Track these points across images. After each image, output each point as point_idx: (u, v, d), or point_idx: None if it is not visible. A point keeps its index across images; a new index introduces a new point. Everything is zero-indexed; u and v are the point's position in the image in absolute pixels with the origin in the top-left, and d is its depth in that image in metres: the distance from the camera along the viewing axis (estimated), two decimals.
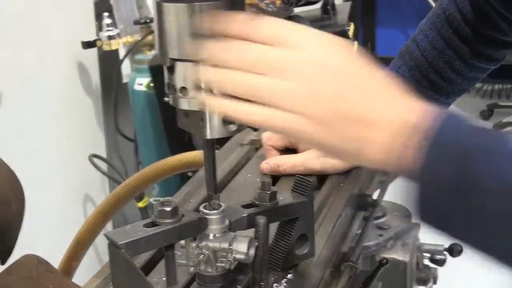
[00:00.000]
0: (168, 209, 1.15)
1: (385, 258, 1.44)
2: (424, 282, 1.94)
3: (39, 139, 3.15)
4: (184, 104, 1.13)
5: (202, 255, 1.20)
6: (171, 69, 1.12)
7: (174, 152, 3.12)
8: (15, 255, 2.22)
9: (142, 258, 1.34)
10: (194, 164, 1.92)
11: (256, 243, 1.22)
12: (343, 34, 2.97)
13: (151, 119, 3.32)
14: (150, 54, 3.44)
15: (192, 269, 1.22)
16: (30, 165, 3.08)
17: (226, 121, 1.13)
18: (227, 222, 1.22)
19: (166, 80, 1.14)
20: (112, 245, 1.11)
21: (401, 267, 1.83)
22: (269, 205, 1.26)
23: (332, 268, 1.43)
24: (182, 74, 1.11)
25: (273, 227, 1.33)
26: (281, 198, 1.29)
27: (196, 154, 1.95)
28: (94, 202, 3.47)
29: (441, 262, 1.96)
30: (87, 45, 3.32)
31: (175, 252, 1.22)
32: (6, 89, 2.95)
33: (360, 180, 1.70)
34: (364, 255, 1.73)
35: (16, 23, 3.02)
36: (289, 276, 1.30)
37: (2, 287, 1.54)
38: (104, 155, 3.61)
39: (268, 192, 1.26)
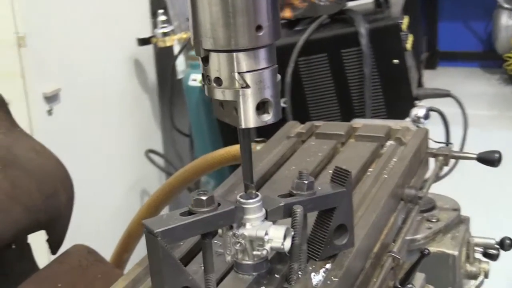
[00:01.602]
0: (204, 198, 1.16)
1: (427, 249, 1.43)
2: (474, 276, 1.92)
3: (97, 135, 3.22)
4: (218, 94, 1.14)
5: (239, 243, 1.22)
6: (206, 60, 1.14)
7: (228, 146, 3.15)
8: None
9: (183, 248, 1.37)
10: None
11: (293, 232, 1.23)
12: (396, 27, 2.95)
13: (206, 114, 3.35)
14: None
15: (229, 258, 1.24)
16: (87, 160, 3.15)
17: (260, 111, 1.14)
18: (263, 211, 1.23)
19: (201, 70, 1.16)
20: (149, 234, 1.13)
21: (450, 260, 1.81)
22: (306, 194, 1.26)
23: (373, 259, 1.43)
24: (216, 65, 1.13)
25: (313, 217, 1.34)
26: (319, 188, 1.29)
27: None
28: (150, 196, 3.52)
29: (494, 257, 1.94)
30: (143, 42, 3.38)
31: (216, 242, 1.25)
32: (65, 86, 3.02)
33: (405, 172, 1.69)
34: (411, 247, 1.72)
35: (73, 21, 3.09)
36: (328, 266, 1.31)
37: (52, 275, 1.59)
38: (160, 150, 3.66)
39: (306, 182, 1.26)
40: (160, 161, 3.57)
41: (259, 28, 1.10)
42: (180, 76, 3.54)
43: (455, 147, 2.45)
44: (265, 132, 1.94)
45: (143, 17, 3.55)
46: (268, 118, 1.15)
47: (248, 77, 1.12)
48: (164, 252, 1.12)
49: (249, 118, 1.14)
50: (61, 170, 1.66)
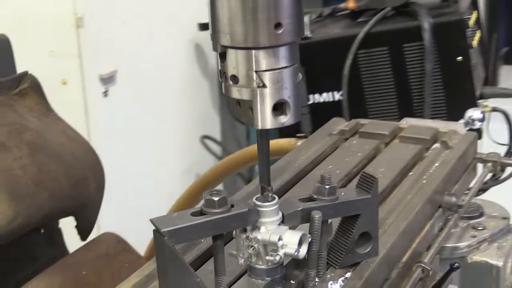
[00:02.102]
0: (216, 198, 1.12)
1: (457, 263, 1.36)
2: None
3: (152, 118, 3.22)
4: (235, 93, 1.10)
5: (252, 247, 1.18)
6: (223, 56, 1.09)
7: (283, 137, 3.11)
8: (138, 234, 2.27)
9: (202, 245, 1.33)
10: (282, 151, 1.89)
11: (310, 239, 1.18)
12: (461, 23, 2.84)
13: None
14: None
15: (242, 260, 1.20)
16: (141, 143, 3.15)
17: (277, 112, 1.10)
18: (280, 215, 1.19)
19: (219, 67, 1.12)
20: (157, 232, 1.10)
21: (493, 271, 1.73)
22: (327, 200, 1.21)
23: (401, 268, 1.37)
24: (233, 62, 1.08)
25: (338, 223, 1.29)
26: (342, 193, 1.24)
27: (284, 142, 1.92)
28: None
29: None
30: (204, 27, 3.34)
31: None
32: (121, 68, 3.02)
33: (447, 178, 1.62)
34: (454, 255, 1.65)
35: (134, 6, 3.08)
36: (348, 275, 1.25)
37: (78, 262, 1.58)
38: (217, 137, 3.64)
39: (327, 186, 1.21)
40: (216, 148, 3.55)
41: (278, 25, 1.05)
42: None
43: None
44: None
45: (204, 1, 3.52)
46: (285, 119, 1.10)
47: (266, 76, 1.07)
48: (171, 252, 1.09)
49: (265, 119, 1.09)
50: (91, 156, 1.65)
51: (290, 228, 1.20)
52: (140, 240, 2.35)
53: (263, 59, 1.06)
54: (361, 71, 2.96)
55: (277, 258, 1.16)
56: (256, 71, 1.07)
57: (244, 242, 1.18)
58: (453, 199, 1.61)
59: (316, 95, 3.03)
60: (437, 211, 1.58)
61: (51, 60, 2.90)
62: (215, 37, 1.08)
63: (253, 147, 2.06)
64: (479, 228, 1.79)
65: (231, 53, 1.08)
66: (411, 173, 1.65)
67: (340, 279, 1.24)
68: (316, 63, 2.99)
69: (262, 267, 1.19)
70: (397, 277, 1.36)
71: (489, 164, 1.81)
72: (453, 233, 1.63)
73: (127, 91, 3.07)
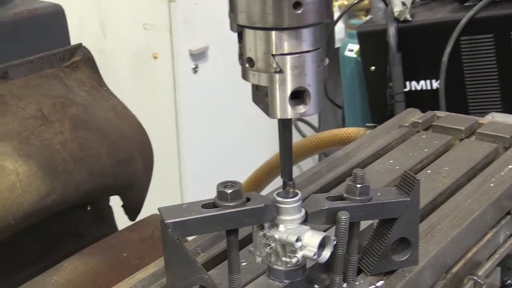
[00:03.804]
0: (229, 191, 1.03)
1: (510, 280, 1.21)
2: None
3: (241, 96, 3.14)
4: (251, 77, 1.00)
5: (269, 246, 1.08)
6: (240, 37, 1.00)
7: (376, 122, 2.97)
8: None
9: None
10: (349, 140, 1.78)
11: (335, 242, 1.07)
12: None
13: (360, 87, 3.17)
14: (364, 20, 3.28)
15: (259, 259, 1.11)
16: (228, 122, 3.09)
17: (296, 101, 0.99)
18: (303, 213, 1.09)
19: (238, 48, 1.03)
20: (163, 223, 1.02)
21: None
22: (358, 200, 1.10)
23: (449, 280, 1.24)
24: (250, 43, 0.99)
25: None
26: (378, 194, 1.12)
27: (352, 131, 1.81)
28: (301, 170, 3.41)
29: None
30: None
31: None
32: (213, 45, 2.96)
33: None
34: None
35: None
36: (380, 283, 1.14)
37: (119, 243, 1.53)
38: (314, 121, 3.53)
39: (359, 185, 1.10)
40: (307, 130, 3.44)
41: (297, 5, 0.94)
42: (337, 44, 3.38)
43: None
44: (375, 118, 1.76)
45: None
46: (304, 110, 1.00)
47: (284, 61, 0.97)
48: (175, 246, 1.02)
49: (281, 108, 0.99)
50: (140, 135, 1.59)
51: (314, 229, 1.10)
52: None
53: (281, 41, 0.96)
54: (462, 59, 2.78)
55: (294, 260, 1.07)
56: (273, 55, 0.97)
57: (261, 240, 1.09)
58: None
59: (413, 82, 2.88)
60: (504, 218, 1.42)
61: (143, 34, 2.88)
62: (232, 15, 0.99)
63: (314, 136, 1.94)
64: None
65: (247, 34, 0.99)
66: (479, 174, 1.50)
67: (371, 287, 1.13)
68: (415, 48, 2.84)
69: (281, 268, 1.10)
70: None
71: None
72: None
73: (217, 68, 3.01)
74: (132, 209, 1.65)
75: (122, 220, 1.72)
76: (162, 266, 1.19)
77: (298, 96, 0.99)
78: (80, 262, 1.48)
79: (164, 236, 1.03)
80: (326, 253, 1.07)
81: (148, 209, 1.69)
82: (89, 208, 1.59)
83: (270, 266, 1.11)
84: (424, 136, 1.66)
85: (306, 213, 1.09)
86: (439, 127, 1.70)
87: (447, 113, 1.78)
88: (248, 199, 1.05)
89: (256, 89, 1.03)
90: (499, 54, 2.73)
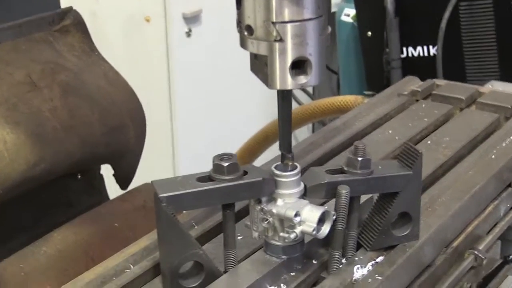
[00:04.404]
0: (225, 164, 0.99)
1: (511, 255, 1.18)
2: None
3: (235, 61, 3.08)
4: (249, 46, 0.96)
5: (266, 221, 1.04)
6: (239, 2, 0.95)
7: (372, 89, 2.92)
8: None
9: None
10: (346, 108, 1.74)
11: (334, 217, 1.04)
12: None
13: (355, 53, 3.12)
14: None
15: (256, 234, 1.07)
16: (222, 87, 3.05)
17: (297, 71, 0.95)
18: (302, 187, 1.05)
19: (236, 14, 0.98)
20: (156, 196, 0.99)
21: None
22: (359, 173, 1.06)
23: (450, 254, 1.21)
24: (249, 10, 0.94)
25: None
26: (379, 167, 1.09)
27: (350, 99, 1.76)
28: (295, 137, 3.36)
29: None
30: None
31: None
32: (206, 8, 2.90)
33: None
34: None
35: None
36: (379, 259, 1.11)
37: (110, 213, 1.49)
38: (309, 88, 3.48)
39: (360, 158, 1.06)
40: (302, 97, 3.40)
41: None
42: (333, 9, 3.31)
43: None
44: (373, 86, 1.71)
45: None
46: (305, 80, 0.95)
47: (285, 29, 0.93)
48: (169, 221, 0.99)
49: (282, 78, 0.95)
50: (132, 102, 1.54)
51: (313, 203, 1.06)
52: None
53: (282, 8, 0.92)
54: (461, 25, 2.73)
55: (292, 236, 1.03)
56: (273, 22, 0.92)
57: (258, 215, 1.05)
58: None
59: (410, 48, 2.83)
60: (505, 190, 1.39)
61: None
62: None
63: (310, 104, 1.90)
64: None
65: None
66: (480, 146, 1.46)
67: (370, 264, 1.10)
68: (413, 13, 2.78)
69: (278, 243, 1.07)
70: (443, 264, 1.20)
71: None
72: None
73: (211, 32, 2.95)
74: (123, 178, 1.60)
75: (113, 189, 1.68)
76: (154, 239, 1.15)
77: (298, 66, 0.95)
78: (71, 232, 1.44)
79: (158, 210, 0.99)
80: (326, 228, 1.04)
81: (139, 178, 1.66)
82: (79, 177, 1.55)
83: (267, 241, 1.08)
84: (423, 105, 1.62)
85: (305, 186, 1.05)
86: (439, 96, 1.66)
87: (447, 81, 1.74)
88: (245, 172, 1.02)
89: (255, 58, 0.98)
90: (498, 20, 2.68)
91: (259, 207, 1.04)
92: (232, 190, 1.00)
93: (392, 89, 1.71)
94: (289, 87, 0.95)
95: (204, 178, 1.01)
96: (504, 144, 1.44)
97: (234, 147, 3.12)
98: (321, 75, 0.96)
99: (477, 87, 1.70)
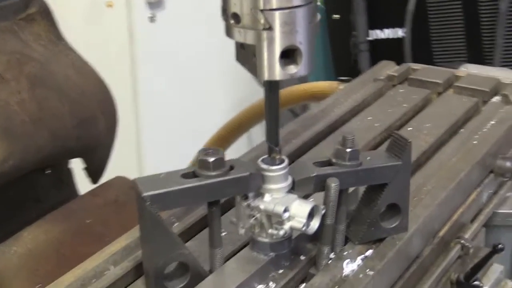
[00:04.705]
0: (211, 159, 0.95)
1: (501, 244, 1.16)
2: None
3: (201, 46, 3.03)
4: (236, 35, 0.91)
5: (253, 217, 1.00)
6: None
7: (339, 76, 2.89)
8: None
9: (200, 210, 1.16)
10: (322, 96, 1.69)
11: (324, 211, 1.00)
12: None
13: (322, 36, 3.07)
14: None
15: (243, 231, 1.02)
16: (188, 73, 2.99)
17: (286, 61, 0.91)
18: (290, 181, 1.01)
19: (221, 2, 0.93)
20: (139, 195, 0.93)
21: None
22: (348, 165, 1.02)
23: (436, 244, 1.18)
24: None
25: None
26: (368, 158, 1.05)
27: (324, 85, 1.72)
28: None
29: None
30: None
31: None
32: None
33: (502, 139, 1.41)
34: (508, 223, 1.44)
35: None
36: (368, 252, 1.07)
37: (82, 209, 1.44)
38: None
39: (349, 149, 1.02)
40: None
41: None
42: None
43: None
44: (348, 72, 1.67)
45: None
46: (295, 70, 0.91)
47: (274, 16, 0.88)
48: (154, 220, 0.93)
49: (271, 68, 0.90)
50: (102, 92, 1.48)
51: (302, 197, 1.02)
52: None
53: None
54: (428, 6, 2.71)
55: (281, 232, 0.99)
56: (262, 10, 0.87)
57: (244, 211, 1.00)
58: (508, 163, 1.40)
59: (377, 31, 2.80)
60: (488, 177, 1.37)
61: None
62: None
63: (284, 91, 1.85)
64: None
65: None
66: (461, 131, 1.44)
67: (359, 258, 1.06)
68: None
69: (266, 240, 1.02)
70: (430, 255, 1.17)
71: None
72: (509, 197, 1.41)
73: (176, 17, 2.88)
74: (95, 172, 1.55)
75: (82, 183, 1.62)
76: (135, 238, 1.10)
77: (288, 55, 0.90)
78: (41, 230, 1.38)
79: (141, 210, 0.94)
80: (315, 224, 1.00)
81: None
82: (48, 171, 1.49)
83: (254, 238, 1.04)
84: (401, 90, 1.60)
85: (293, 180, 1.01)
86: (416, 81, 1.63)
87: (422, 65, 1.71)
88: (231, 167, 0.97)
89: (241, 47, 0.93)
90: (465, 2, 2.67)
91: (246, 203, 1.00)
92: (219, 187, 0.95)
93: (368, 74, 1.68)
94: (279, 78, 0.90)
95: (189, 175, 0.96)
96: (485, 129, 1.42)
97: (202, 137, 3.07)
98: (312, 64, 0.92)
99: (453, 71, 1.68)
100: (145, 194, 0.92)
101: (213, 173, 0.95)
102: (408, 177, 1.08)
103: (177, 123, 2.98)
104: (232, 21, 0.90)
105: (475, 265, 1.18)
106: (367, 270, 1.02)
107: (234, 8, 0.89)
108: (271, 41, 0.89)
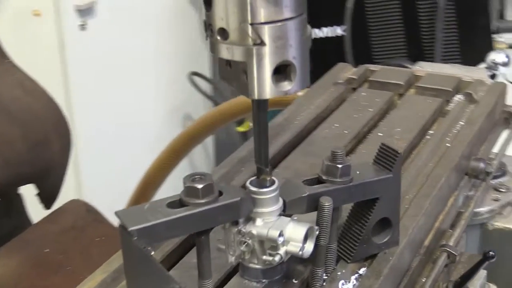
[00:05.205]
0: (200, 186, 0.88)
1: (492, 252, 1.13)
2: None
3: (135, 53, 2.94)
4: (223, 52, 0.84)
5: (245, 243, 0.94)
6: (208, 3, 0.83)
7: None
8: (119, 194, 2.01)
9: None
10: (281, 103, 1.63)
11: (317, 232, 0.94)
12: None
13: None
14: None
15: (233, 258, 0.96)
16: (122, 81, 2.89)
17: (279, 77, 0.84)
18: (281, 202, 0.95)
19: (204, 17, 0.86)
20: (124, 229, 0.86)
21: None
22: (339, 182, 0.97)
23: (423, 255, 1.14)
24: (222, 11, 0.82)
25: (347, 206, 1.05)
26: (357, 172, 0.99)
27: None
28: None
29: None
30: None
31: None
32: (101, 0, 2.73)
33: (474, 140, 1.38)
34: (473, 222, 1.42)
35: None
36: (362, 270, 1.02)
37: (39, 238, 1.34)
38: (207, 73, 3.35)
39: (340, 165, 0.96)
40: (205, 85, 3.28)
41: None
42: None
43: None
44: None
45: None
46: (289, 87, 0.85)
47: (264, 31, 0.81)
48: (142, 256, 0.85)
49: (263, 86, 0.84)
50: (54, 112, 1.39)
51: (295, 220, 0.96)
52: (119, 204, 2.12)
53: (260, 8, 0.80)
54: (366, 3, 2.69)
55: (277, 258, 0.93)
56: (252, 24, 0.81)
57: (235, 237, 0.94)
58: (481, 165, 1.37)
59: (316, 30, 2.76)
60: (462, 179, 1.34)
61: None
62: None
63: (239, 98, 1.79)
64: (502, 190, 1.57)
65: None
66: (431, 132, 1.41)
67: (353, 277, 1.01)
68: None
69: (258, 266, 0.96)
70: (418, 266, 1.13)
71: None
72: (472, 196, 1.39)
73: (107, 24, 2.78)
74: (48, 197, 1.45)
75: (33, 210, 1.52)
76: (110, 271, 1.03)
77: (279, 71, 0.84)
78: None
79: (127, 245, 0.86)
80: (309, 246, 0.94)
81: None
82: None
83: (244, 265, 0.97)
84: (363, 93, 1.55)
85: (284, 201, 0.95)
86: (376, 83, 1.59)
87: (381, 66, 1.68)
88: (220, 193, 0.90)
89: (227, 64, 0.86)
90: None
91: (236, 229, 0.93)
92: (210, 215, 0.88)
93: (326, 78, 1.63)
94: (273, 96, 0.84)
95: (175, 204, 0.89)
96: (455, 131, 1.39)
97: (139, 143, 2.98)
98: (306, 79, 0.85)
99: (412, 70, 1.65)
100: (131, 228, 0.84)
101: (202, 201, 0.88)
102: (399, 189, 1.03)
103: (113, 130, 2.87)
104: (218, 37, 0.83)
105: (466, 273, 1.15)
106: None
107: (221, 23, 0.83)
108: (262, 57, 0.82)
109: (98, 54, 2.76)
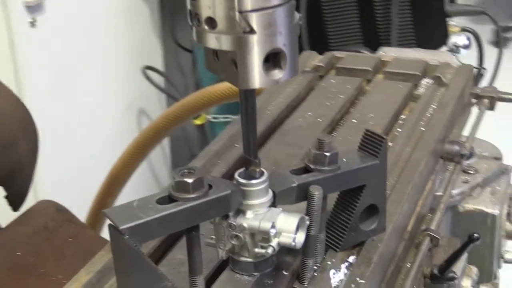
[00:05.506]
0: (190, 180, 0.85)
1: (476, 233, 1.13)
2: None
3: (87, 49, 2.88)
4: (211, 41, 0.82)
5: (236, 237, 0.91)
6: None
7: None
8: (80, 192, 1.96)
9: None
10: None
11: (308, 222, 0.93)
12: None
13: None
14: None
15: (223, 253, 0.94)
16: (75, 79, 2.84)
17: (269, 65, 0.82)
18: (270, 194, 0.93)
19: (188, 6, 0.83)
20: (114, 229, 0.83)
21: (488, 221, 1.54)
22: (327, 170, 0.95)
23: (407, 240, 1.13)
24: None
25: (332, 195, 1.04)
26: (344, 160, 0.98)
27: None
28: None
29: None
30: None
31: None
32: None
33: (448, 123, 1.38)
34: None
35: None
36: (351, 258, 1.01)
37: (9, 242, 1.30)
38: (160, 67, 3.31)
39: (327, 153, 0.95)
40: (159, 79, 3.24)
41: None
42: None
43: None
44: None
45: None
46: (280, 75, 0.83)
47: (253, 18, 0.79)
48: (134, 255, 0.83)
49: (253, 76, 0.82)
50: (21, 112, 1.35)
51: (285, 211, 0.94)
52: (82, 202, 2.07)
53: None
54: None
55: (270, 250, 0.91)
56: (240, 12, 0.78)
57: (225, 231, 0.92)
58: (456, 147, 1.37)
59: None
60: (438, 163, 1.34)
61: None
62: None
63: (205, 91, 1.77)
64: (471, 172, 1.58)
65: None
66: (403, 117, 1.41)
67: (343, 266, 1.00)
68: None
69: (249, 260, 0.94)
70: (403, 252, 1.12)
71: (486, 101, 1.58)
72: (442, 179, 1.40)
73: (57, 21, 2.72)
74: (17, 199, 1.41)
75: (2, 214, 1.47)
76: (94, 272, 1.00)
77: (268, 59, 0.82)
78: None
79: (118, 244, 0.83)
80: (301, 237, 0.93)
81: None
82: None
83: (235, 259, 0.95)
84: (332, 81, 1.54)
85: (274, 193, 0.93)
86: (343, 69, 1.58)
87: (346, 53, 1.67)
88: (210, 186, 0.88)
89: (214, 55, 0.84)
90: None
91: (227, 222, 0.91)
92: (201, 209, 0.86)
93: None
94: (263, 85, 0.82)
95: (165, 200, 0.86)
96: (428, 114, 1.40)
97: (94, 139, 2.93)
98: (296, 67, 0.83)
99: (377, 56, 1.65)
100: (122, 226, 0.81)
101: (193, 195, 0.86)
102: (385, 175, 1.02)
103: (69, 128, 2.82)
104: (206, 27, 0.81)
105: (451, 256, 1.14)
106: (357, 279, 0.96)
107: (208, 12, 0.80)
108: (252, 46, 0.80)
109: (49, 52, 2.69)
